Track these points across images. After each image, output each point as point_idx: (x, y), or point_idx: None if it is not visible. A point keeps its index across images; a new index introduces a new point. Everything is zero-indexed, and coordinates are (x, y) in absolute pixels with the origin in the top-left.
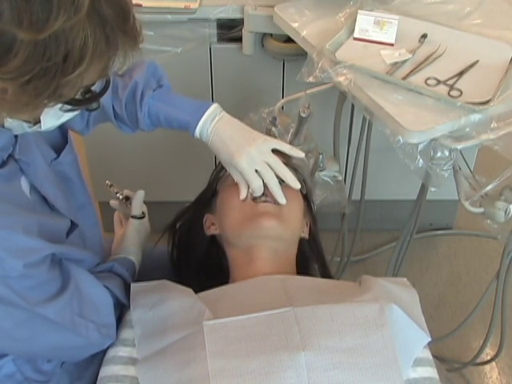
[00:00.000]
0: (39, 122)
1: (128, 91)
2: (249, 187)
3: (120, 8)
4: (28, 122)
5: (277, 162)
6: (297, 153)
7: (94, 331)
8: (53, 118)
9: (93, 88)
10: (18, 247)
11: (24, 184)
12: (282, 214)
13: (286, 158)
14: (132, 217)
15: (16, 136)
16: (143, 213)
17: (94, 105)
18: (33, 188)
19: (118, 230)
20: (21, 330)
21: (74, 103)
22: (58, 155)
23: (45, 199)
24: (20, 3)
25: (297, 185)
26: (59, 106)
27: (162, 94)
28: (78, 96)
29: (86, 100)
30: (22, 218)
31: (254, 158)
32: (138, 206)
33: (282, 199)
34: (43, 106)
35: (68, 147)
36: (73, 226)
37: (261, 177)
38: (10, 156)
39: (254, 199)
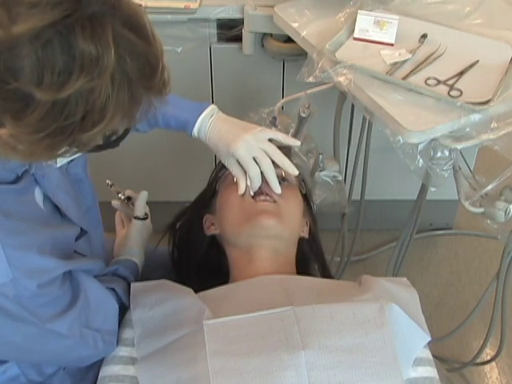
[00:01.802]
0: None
1: None
2: (247, 183)
3: (147, 64)
4: None
5: (273, 149)
6: (292, 141)
7: (100, 340)
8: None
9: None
10: (33, 268)
11: (38, 195)
12: (281, 213)
13: (286, 156)
14: (135, 217)
15: None
16: (146, 214)
17: (114, 146)
18: (46, 198)
19: (120, 231)
20: (30, 344)
21: (92, 149)
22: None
23: (57, 208)
24: (42, 61)
25: (294, 171)
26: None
27: None
28: (98, 141)
29: (106, 145)
30: (36, 236)
31: (251, 145)
32: (141, 207)
33: (277, 189)
34: (59, 156)
35: None
36: (82, 232)
37: (258, 165)
38: (26, 171)
39: (254, 197)
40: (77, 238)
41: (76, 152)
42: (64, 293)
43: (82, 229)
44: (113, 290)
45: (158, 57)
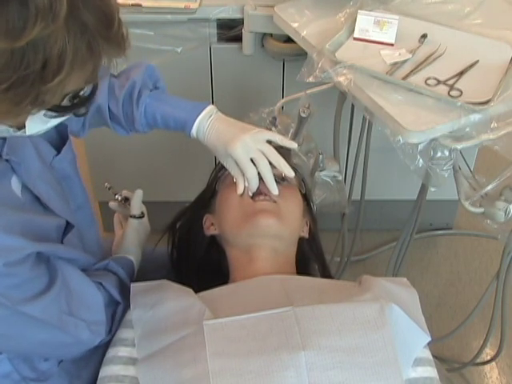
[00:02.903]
0: (24, 127)
1: (125, 90)
2: (245, 183)
3: (102, 14)
4: (12, 126)
5: (271, 150)
6: (289, 143)
7: (85, 329)
8: (38, 123)
9: (82, 93)
10: None
11: (15, 183)
12: (281, 212)
13: (286, 158)
14: (131, 216)
15: (4, 137)
16: (142, 212)
17: (82, 110)
18: (24, 187)
19: (118, 231)
20: (7, 327)
21: (59, 109)
22: (58, 152)
23: (38, 199)
24: None
25: (291, 172)
26: (43, 112)
27: (159, 94)
28: (65, 102)
29: (73, 106)
30: (4, 216)
31: (249, 146)
32: (136, 206)
33: (274, 190)
34: (26, 112)
35: (68, 144)
36: (69, 226)
37: (256, 166)
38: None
39: (252, 197)
40: (65, 233)
41: (41, 109)
42: (38, 276)
43: (68, 223)
44: (100, 282)
45: (113, 8)
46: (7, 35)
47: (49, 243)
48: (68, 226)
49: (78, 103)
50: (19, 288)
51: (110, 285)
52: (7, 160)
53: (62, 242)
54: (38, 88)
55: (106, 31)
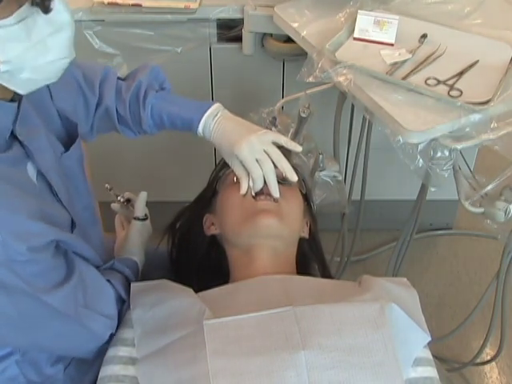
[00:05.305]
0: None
1: (132, 92)
2: (249, 183)
3: None
4: None
5: (276, 152)
6: (294, 146)
7: (98, 322)
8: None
9: None
10: (22, 230)
11: (30, 170)
12: (282, 212)
13: (287, 157)
14: (134, 218)
15: (17, 115)
16: (146, 214)
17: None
18: (39, 174)
19: (120, 233)
20: (25, 318)
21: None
22: (66, 150)
23: (50, 188)
24: None
25: (294, 176)
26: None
27: (165, 95)
28: None
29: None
30: (26, 201)
31: (255, 146)
32: (141, 208)
33: (276, 192)
34: None
35: (77, 142)
36: (72, 224)
37: (260, 167)
38: (15, 138)
39: (254, 197)
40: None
41: None
42: (58, 266)
43: (72, 221)
44: (109, 280)
45: None
46: None
47: (68, 234)
48: (72, 224)
49: None
50: (41, 276)
51: (117, 282)
52: (22, 146)
53: None
54: None
55: None
